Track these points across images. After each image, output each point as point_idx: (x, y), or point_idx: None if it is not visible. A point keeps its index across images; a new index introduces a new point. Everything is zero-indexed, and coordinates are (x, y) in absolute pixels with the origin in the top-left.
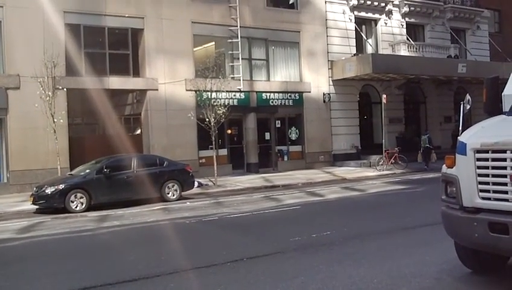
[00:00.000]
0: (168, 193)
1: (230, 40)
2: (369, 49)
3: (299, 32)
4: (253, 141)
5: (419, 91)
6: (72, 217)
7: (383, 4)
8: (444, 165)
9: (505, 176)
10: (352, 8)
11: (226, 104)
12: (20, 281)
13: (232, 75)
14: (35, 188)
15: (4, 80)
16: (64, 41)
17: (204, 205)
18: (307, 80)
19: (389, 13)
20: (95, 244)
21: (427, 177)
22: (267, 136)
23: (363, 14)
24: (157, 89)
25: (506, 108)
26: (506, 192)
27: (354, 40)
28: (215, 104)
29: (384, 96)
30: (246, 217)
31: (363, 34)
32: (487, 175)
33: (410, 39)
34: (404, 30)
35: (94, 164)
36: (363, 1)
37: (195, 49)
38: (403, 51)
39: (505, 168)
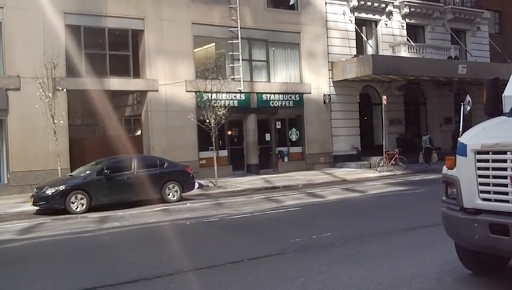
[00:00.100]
0: (169, 194)
1: (230, 41)
2: (370, 50)
3: (300, 33)
4: (253, 142)
5: (420, 92)
6: (73, 218)
7: (383, 5)
8: (445, 166)
9: (505, 177)
10: (353, 9)
11: (227, 105)
12: (21, 282)
13: (232, 76)
14: (35, 189)
15: (4, 81)
16: (64, 42)
17: (205, 206)
18: (307, 81)
19: (390, 14)
20: (95, 246)
21: (427, 178)
22: (268, 137)
23: (363, 15)
24: (157, 90)
25: (506, 109)
26: (506, 193)
27: (355, 41)
28: (215, 105)
29: (385, 97)
30: (247, 218)
31: (363, 35)
32: (487, 176)
33: (410, 40)
34: (405, 31)
35: (94, 165)
36: (363, 2)
37: (195, 50)
38: (403, 52)
39: (505, 169)
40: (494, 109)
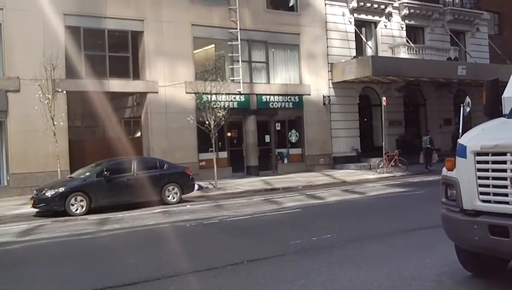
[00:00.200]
0: (168, 196)
1: (230, 43)
2: (369, 52)
3: (299, 34)
4: (253, 143)
5: (419, 93)
6: (72, 220)
7: (382, 6)
8: (444, 167)
9: (505, 178)
10: (352, 11)
11: (226, 106)
12: (20, 285)
13: (232, 78)
14: (35, 191)
15: (4, 83)
16: (64, 43)
17: (205, 208)
18: (307, 83)
19: (389, 15)
20: (95, 248)
21: (427, 179)
22: (267, 138)
23: (362, 16)
24: (157, 92)
25: (506, 110)
26: (506, 195)
27: (354, 42)
28: (215, 106)
29: (384, 98)
30: (246, 220)
31: (363, 37)
32: (487, 178)
33: (409, 41)
34: (404, 32)
35: (94, 167)
36: (362, 3)
37: (195, 51)
38: (403, 53)
39: (505, 170)
40: (494, 110)
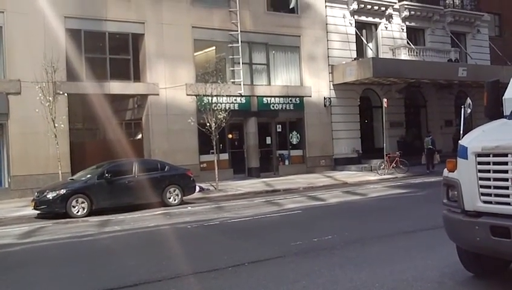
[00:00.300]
0: (169, 198)
1: (230, 45)
2: (370, 53)
3: (300, 36)
4: (254, 145)
5: (420, 95)
6: (73, 222)
7: (383, 8)
8: (445, 169)
9: (506, 179)
10: (353, 13)
11: (227, 108)
12: (21, 287)
13: (232, 80)
14: (36, 193)
15: (5, 85)
16: (64, 46)
17: (206, 210)
18: (308, 84)
19: (390, 17)
20: (96, 249)
21: (428, 181)
22: (268, 140)
23: (363, 18)
24: (157, 94)
25: (507, 112)
26: (507, 195)
27: (355, 44)
28: (215, 108)
29: (385, 100)
30: (247, 221)
31: (363, 38)
32: (488, 179)
33: (410, 43)
34: (405, 34)
35: (95, 169)
36: (363, 5)
37: (195, 53)
38: (403, 55)
39: (506, 171)
40: (495, 112)
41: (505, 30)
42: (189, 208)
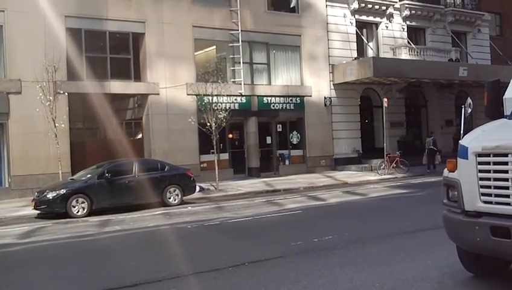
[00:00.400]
0: (170, 198)
1: (231, 44)
2: (370, 53)
3: (300, 36)
4: (254, 145)
5: (421, 95)
6: (74, 222)
7: (384, 8)
8: (446, 169)
9: (506, 179)
10: (353, 12)
11: (227, 108)
12: (21, 286)
13: (233, 79)
14: (36, 193)
15: (5, 85)
16: (65, 45)
17: (206, 210)
18: (308, 84)
19: (390, 17)
20: (96, 249)
21: (428, 181)
22: (269, 140)
23: (364, 17)
24: (158, 94)
25: (507, 112)
26: (507, 196)
27: (355, 43)
28: (216, 108)
29: (386, 100)
30: (248, 221)
31: (364, 38)
32: (489, 179)
33: (411, 42)
34: (405, 33)
35: (95, 169)
36: (364, 5)
37: (196, 53)
38: (404, 55)
39: (506, 171)
40: (495, 112)
41: (506, 30)
42: (189, 208)
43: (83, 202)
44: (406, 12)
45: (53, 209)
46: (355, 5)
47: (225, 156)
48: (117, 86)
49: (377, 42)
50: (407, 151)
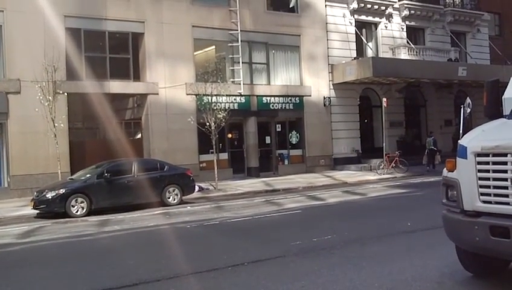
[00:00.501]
0: (169, 198)
1: (230, 44)
2: (370, 53)
3: (300, 36)
4: (253, 145)
5: (420, 94)
6: (73, 221)
7: (383, 8)
8: (445, 168)
9: (505, 179)
10: (353, 12)
11: (227, 108)
12: (21, 286)
13: (232, 79)
14: (35, 193)
15: (5, 85)
16: (64, 45)
17: (205, 209)
18: (308, 84)
19: (389, 17)
20: (95, 249)
21: (427, 180)
22: (268, 140)
23: (363, 17)
24: (157, 93)
25: (506, 111)
26: (507, 195)
27: (355, 43)
28: (215, 108)
29: (385, 99)
30: (247, 221)
31: (363, 38)
32: (488, 179)
33: (410, 42)
34: (405, 33)
35: (95, 169)
36: (363, 5)
37: (195, 53)
38: (403, 55)
39: (505, 171)
40: (494, 111)
41: (505, 29)
42: (189, 207)
43: (82, 202)
44: (405, 12)
45: (52, 209)
46: (354, 5)
47: (224, 155)
48: (116, 86)
49: (376, 42)
50: (407, 151)
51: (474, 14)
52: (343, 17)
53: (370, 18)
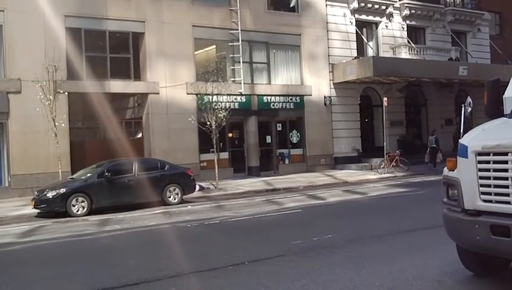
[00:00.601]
0: (170, 197)
1: (231, 44)
2: (370, 52)
3: (300, 35)
4: (254, 144)
5: (420, 94)
6: (73, 221)
7: (383, 7)
8: (445, 167)
9: (506, 178)
10: (353, 11)
11: (227, 107)
12: (21, 285)
13: (233, 79)
14: (36, 192)
15: (5, 84)
16: (65, 45)
17: (206, 209)
18: (308, 83)
19: (390, 16)
20: (96, 248)
21: (428, 180)
22: (268, 139)
23: (363, 17)
24: (158, 93)
25: (507, 110)
26: (507, 194)
27: (355, 43)
28: (216, 107)
29: (385, 99)
30: (248, 220)
31: (364, 37)
32: (488, 178)
33: (411, 42)
34: (405, 33)
35: (95, 168)
36: (363, 4)
37: (196, 52)
38: (404, 54)
39: (506, 170)
40: (495, 111)
41: (506, 29)
42: (189, 207)
43: (82, 201)
44: (406, 12)
45: (53, 209)
46: (355, 5)
47: (225, 155)
48: (117, 86)
49: (377, 41)
50: (407, 150)
51: (474, 14)
52: (344, 16)
53: (370, 17)
